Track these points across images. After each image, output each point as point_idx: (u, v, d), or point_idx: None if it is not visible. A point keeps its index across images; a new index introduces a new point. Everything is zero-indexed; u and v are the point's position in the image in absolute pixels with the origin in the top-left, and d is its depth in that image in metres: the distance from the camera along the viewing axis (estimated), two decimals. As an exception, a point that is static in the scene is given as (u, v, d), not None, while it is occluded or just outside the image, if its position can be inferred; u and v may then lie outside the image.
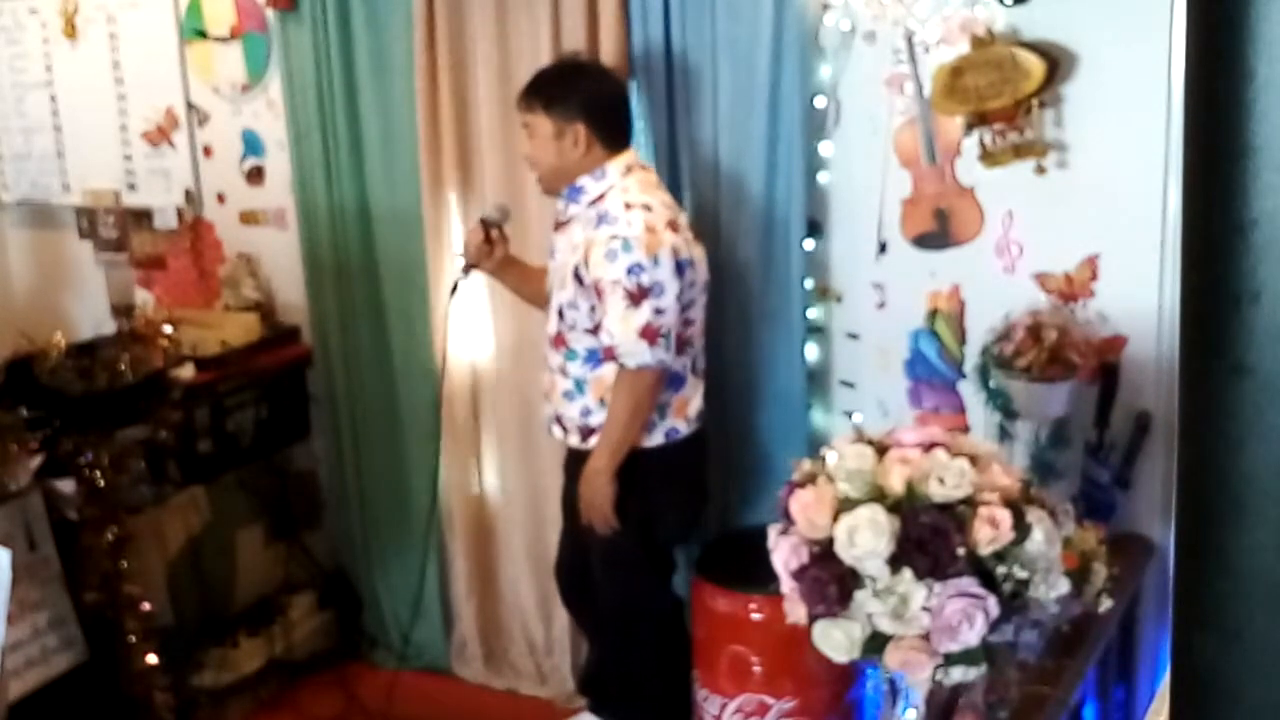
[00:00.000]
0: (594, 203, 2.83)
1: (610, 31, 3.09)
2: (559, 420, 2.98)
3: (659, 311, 2.71)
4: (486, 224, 3.01)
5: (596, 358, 2.86)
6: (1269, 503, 0.76)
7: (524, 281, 3.13)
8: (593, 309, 2.80)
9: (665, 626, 3.09)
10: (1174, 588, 0.83)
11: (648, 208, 2.76)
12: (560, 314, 2.89)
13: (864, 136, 2.93)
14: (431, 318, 3.55)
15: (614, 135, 2.86)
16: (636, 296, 2.70)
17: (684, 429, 2.93)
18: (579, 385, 2.90)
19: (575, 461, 2.98)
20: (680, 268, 2.76)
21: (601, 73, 2.97)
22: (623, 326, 2.72)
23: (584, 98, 2.83)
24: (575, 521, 3.02)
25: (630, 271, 2.70)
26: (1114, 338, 2.71)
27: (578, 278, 2.80)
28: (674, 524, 3.04)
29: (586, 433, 2.91)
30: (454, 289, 3.10)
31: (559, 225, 2.94)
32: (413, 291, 3.60)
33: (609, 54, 3.08)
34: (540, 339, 3.06)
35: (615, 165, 2.85)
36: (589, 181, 2.84)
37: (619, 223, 2.73)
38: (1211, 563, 0.79)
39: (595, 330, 2.83)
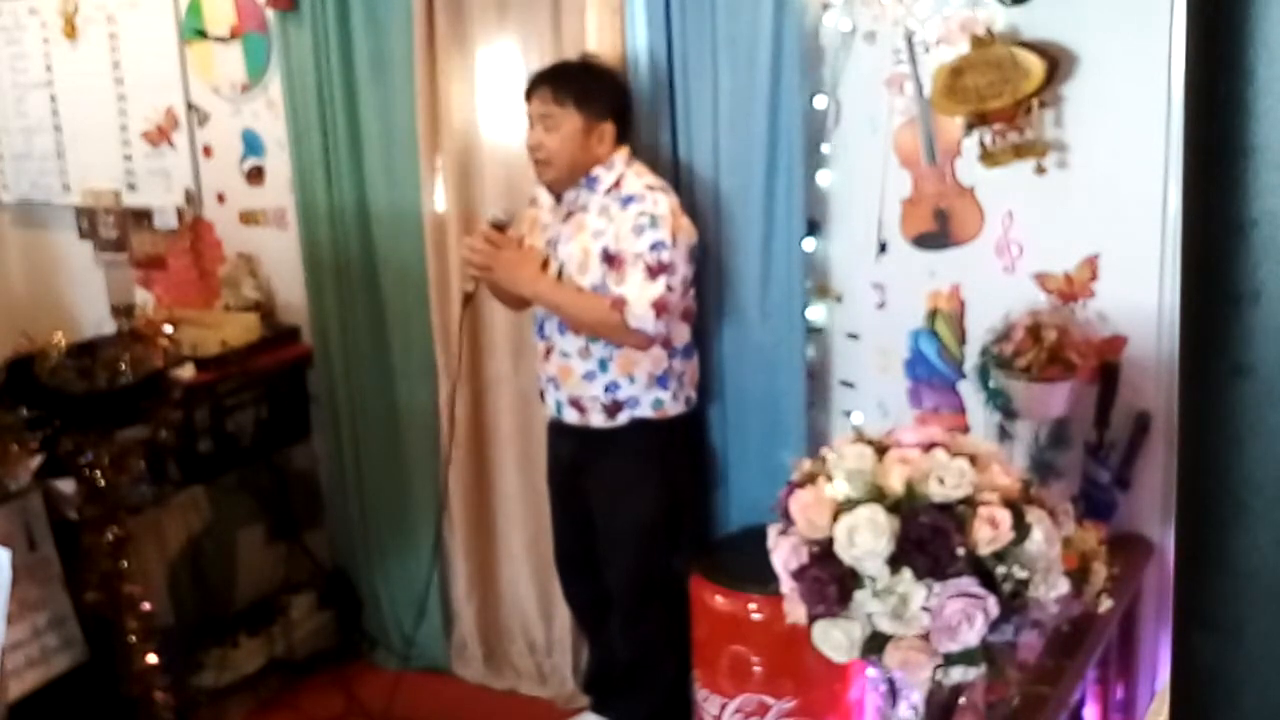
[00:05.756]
0: (610, 190, 2.94)
1: (608, 33, 3.10)
2: (575, 403, 3.02)
3: (670, 289, 2.89)
4: (497, 225, 3.03)
5: None
6: (1269, 503, 0.75)
7: None
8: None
9: (673, 607, 3.11)
10: (1174, 588, 0.83)
11: (665, 190, 2.95)
12: None
13: (864, 136, 2.93)
14: (431, 318, 3.55)
15: (626, 133, 3.01)
16: (655, 271, 2.87)
17: (694, 397, 3.11)
18: (603, 364, 2.98)
19: (589, 442, 3.04)
20: (690, 253, 2.94)
21: (617, 74, 3.08)
22: (639, 294, 2.87)
23: (615, 99, 2.99)
24: (574, 505, 3.16)
25: (653, 247, 2.86)
26: (1114, 338, 2.71)
27: (608, 258, 2.90)
28: (692, 490, 3.18)
29: (614, 409, 2.99)
30: (467, 300, 3.10)
31: (568, 215, 2.99)
32: (413, 291, 3.60)
33: (606, 55, 3.09)
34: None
35: (620, 155, 2.98)
36: (602, 171, 2.96)
37: (645, 201, 2.90)
38: (1211, 563, 0.78)
39: None
